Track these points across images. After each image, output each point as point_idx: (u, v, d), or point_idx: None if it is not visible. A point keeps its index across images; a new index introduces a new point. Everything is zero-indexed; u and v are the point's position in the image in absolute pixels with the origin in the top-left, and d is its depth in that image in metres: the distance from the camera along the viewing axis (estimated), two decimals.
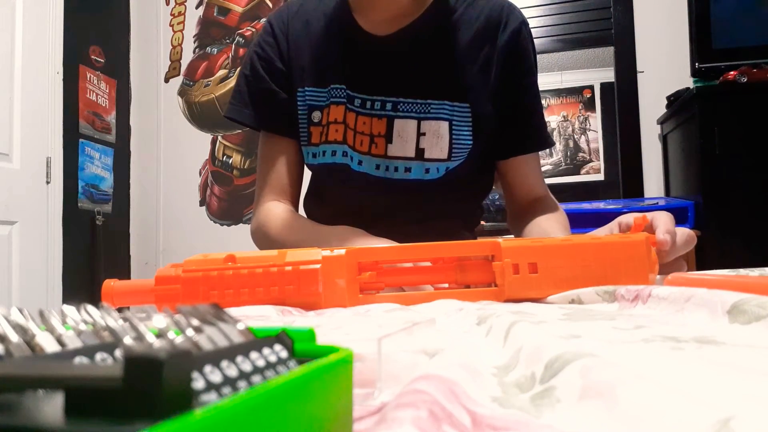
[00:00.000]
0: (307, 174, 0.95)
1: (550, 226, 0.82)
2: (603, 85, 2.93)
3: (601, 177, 2.90)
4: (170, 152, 2.92)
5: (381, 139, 0.85)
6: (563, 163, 2.94)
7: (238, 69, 2.80)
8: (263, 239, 0.89)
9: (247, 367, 0.14)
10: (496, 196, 2.48)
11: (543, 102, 0.97)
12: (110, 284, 0.54)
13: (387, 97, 0.85)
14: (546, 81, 2.92)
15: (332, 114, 0.85)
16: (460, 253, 0.54)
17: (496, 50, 0.86)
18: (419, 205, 0.85)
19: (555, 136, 2.95)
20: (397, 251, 0.54)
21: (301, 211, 0.96)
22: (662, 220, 0.59)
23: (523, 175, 0.91)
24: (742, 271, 0.56)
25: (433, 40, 0.86)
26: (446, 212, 0.88)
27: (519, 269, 0.51)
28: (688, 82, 2.09)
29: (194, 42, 2.94)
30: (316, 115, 0.87)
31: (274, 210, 0.88)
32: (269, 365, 0.14)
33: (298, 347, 0.16)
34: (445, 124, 0.84)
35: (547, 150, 2.82)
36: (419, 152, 0.84)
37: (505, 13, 0.87)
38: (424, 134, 0.84)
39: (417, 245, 0.54)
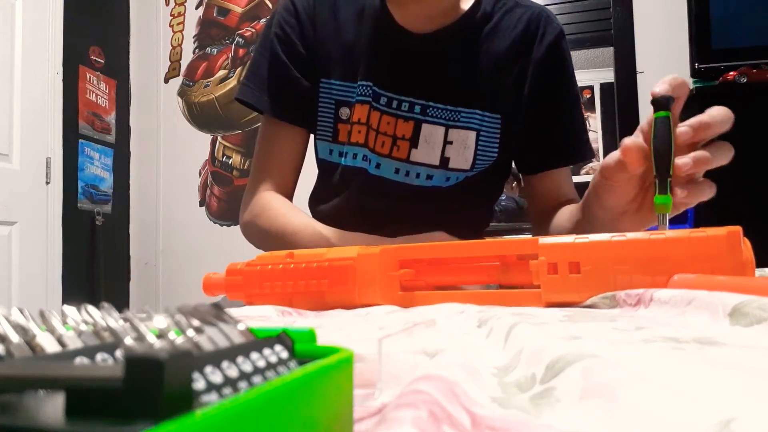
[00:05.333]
0: (309, 174, 0.92)
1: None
2: (603, 86, 2.93)
3: None
4: (170, 152, 2.93)
5: (405, 143, 0.81)
6: None
7: (245, 66, 2.80)
8: (259, 232, 0.84)
9: (247, 367, 0.14)
10: (503, 197, 2.48)
11: None
12: (210, 276, 0.60)
13: (416, 99, 0.81)
14: None
15: (356, 113, 0.81)
16: (499, 251, 0.51)
17: (531, 63, 0.83)
18: (432, 211, 0.82)
19: None
20: (434, 249, 0.53)
21: (305, 209, 0.94)
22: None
23: (554, 186, 0.87)
24: None
25: (469, 45, 0.82)
26: (458, 218, 0.83)
27: (557, 269, 0.45)
28: (688, 83, 2.09)
29: (194, 42, 2.94)
30: (345, 112, 0.82)
31: (275, 202, 0.83)
32: (270, 366, 0.14)
33: (299, 348, 0.16)
34: (472, 135, 0.81)
35: None
36: (444, 161, 0.81)
37: (543, 24, 0.84)
38: (450, 143, 0.81)
39: (454, 243, 0.53)
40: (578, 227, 0.72)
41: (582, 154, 0.87)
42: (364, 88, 0.81)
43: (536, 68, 0.83)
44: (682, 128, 0.50)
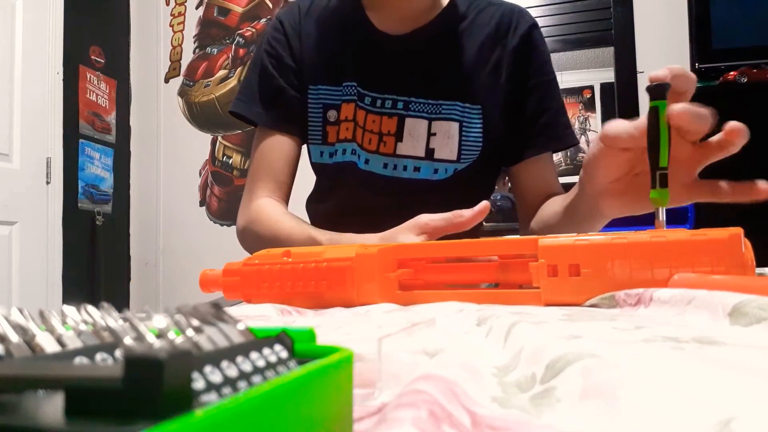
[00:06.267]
0: (308, 175, 0.94)
1: (564, 198, 0.76)
2: (603, 86, 2.93)
3: None
4: (170, 152, 2.93)
5: (390, 138, 0.85)
6: (563, 163, 2.94)
7: (245, 66, 2.80)
8: (254, 238, 0.84)
9: (247, 367, 0.14)
10: (498, 197, 2.48)
11: None
12: (206, 273, 0.60)
13: (398, 96, 0.85)
14: None
15: (343, 112, 0.85)
16: (498, 251, 0.51)
17: (506, 53, 0.86)
18: (425, 205, 0.80)
19: None
20: (433, 248, 0.53)
21: (303, 211, 0.95)
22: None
23: (536, 176, 0.88)
24: None
25: (446, 42, 0.86)
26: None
27: (557, 271, 0.45)
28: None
29: (194, 42, 2.94)
30: (332, 114, 0.86)
31: (270, 207, 0.84)
32: (269, 365, 0.14)
33: (299, 347, 0.16)
34: (455, 125, 0.84)
35: None
36: (429, 152, 0.85)
37: (515, 17, 0.88)
38: (434, 134, 0.84)
39: (452, 242, 0.52)
40: (568, 208, 0.73)
41: (562, 139, 0.88)
42: (350, 88, 0.85)
43: (511, 57, 0.86)
44: (680, 108, 0.48)
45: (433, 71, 0.85)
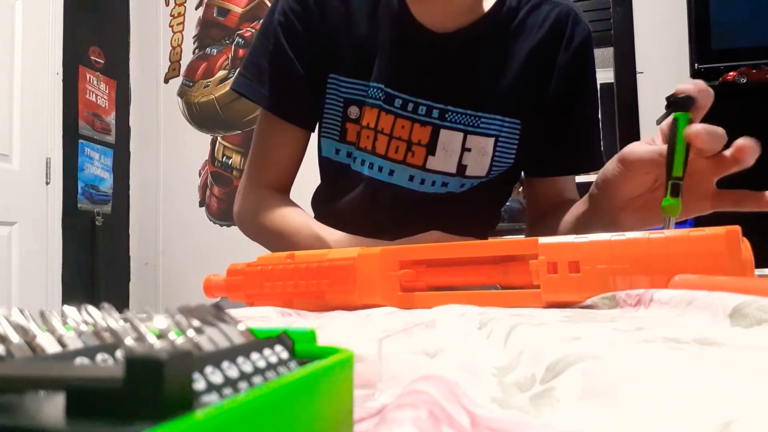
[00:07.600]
0: (311, 172, 0.89)
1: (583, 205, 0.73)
2: (603, 86, 2.93)
3: None
4: (170, 153, 2.93)
5: (421, 149, 0.76)
6: None
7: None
8: (257, 230, 0.81)
9: (247, 368, 0.14)
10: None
11: None
12: (210, 278, 0.60)
13: (434, 102, 0.75)
14: None
15: (366, 117, 0.76)
16: (499, 251, 0.51)
17: (556, 67, 0.79)
18: (442, 215, 0.78)
19: None
20: (434, 250, 0.53)
21: (307, 200, 0.91)
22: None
23: (556, 189, 0.85)
24: None
25: (494, 45, 0.77)
26: (468, 220, 0.81)
27: (557, 268, 0.45)
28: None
29: (194, 43, 2.94)
30: (354, 111, 0.77)
31: (276, 200, 0.80)
32: (270, 366, 0.14)
33: (299, 348, 0.16)
34: (491, 141, 0.77)
35: None
36: (461, 168, 0.77)
37: (570, 25, 0.79)
38: (469, 150, 0.76)
39: (453, 244, 0.53)
40: (581, 220, 0.71)
41: (595, 164, 0.83)
42: (376, 90, 0.76)
43: (560, 73, 0.79)
44: (698, 129, 0.49)
45: (476, 78, 0.76)
